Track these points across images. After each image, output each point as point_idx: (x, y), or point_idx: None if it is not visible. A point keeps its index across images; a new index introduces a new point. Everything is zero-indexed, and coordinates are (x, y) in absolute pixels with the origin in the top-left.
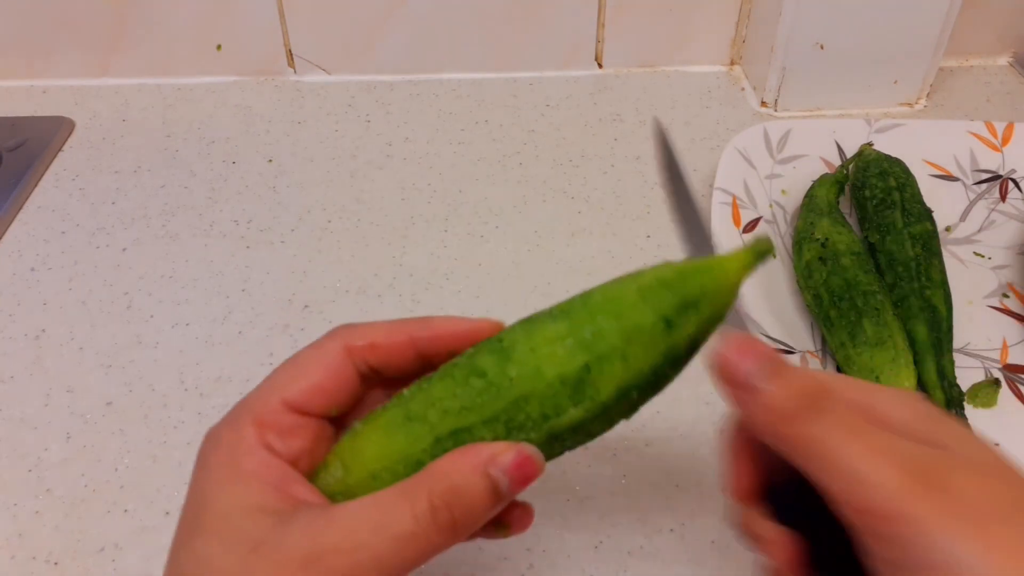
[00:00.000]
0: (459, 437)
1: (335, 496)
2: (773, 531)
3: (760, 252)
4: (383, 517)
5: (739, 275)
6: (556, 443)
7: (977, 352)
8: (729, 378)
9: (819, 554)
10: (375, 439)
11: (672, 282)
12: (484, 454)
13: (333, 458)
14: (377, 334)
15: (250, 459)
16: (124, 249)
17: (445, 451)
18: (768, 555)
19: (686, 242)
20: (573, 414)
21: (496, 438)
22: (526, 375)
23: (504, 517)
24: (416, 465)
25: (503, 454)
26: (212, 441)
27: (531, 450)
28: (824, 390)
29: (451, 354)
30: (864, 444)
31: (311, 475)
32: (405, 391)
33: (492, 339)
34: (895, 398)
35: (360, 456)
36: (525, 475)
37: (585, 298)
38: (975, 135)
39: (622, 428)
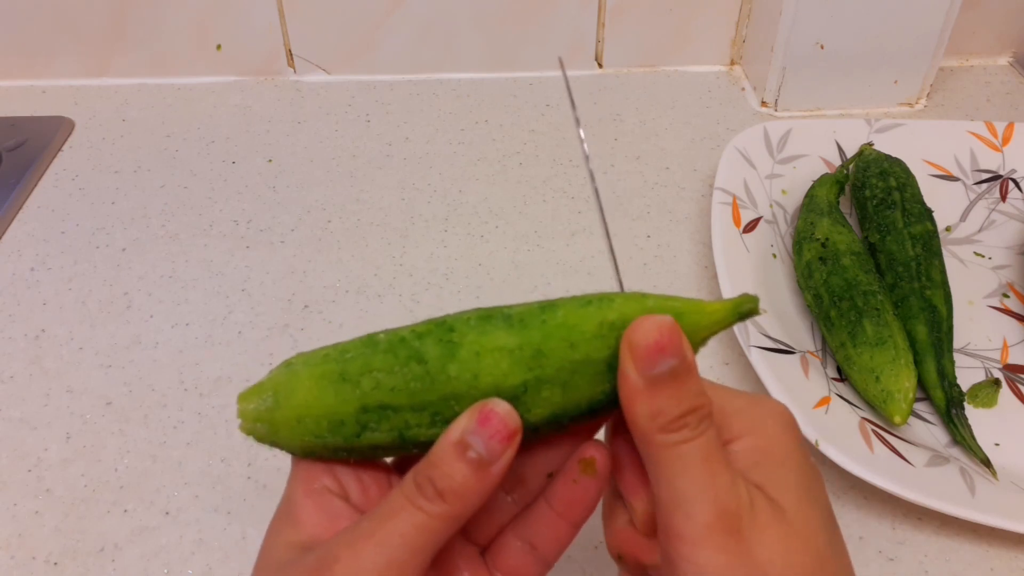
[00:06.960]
0: (384, 413)
1: (259, 422)
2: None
3: (743, 313)
4: (381, 509)
5: (710, 330)
6: None
7: (977, 352)
8: (640, 360)
9: None
10: (308, 385)
11: None
12: (457, 428)
13: (269, 384)
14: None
15: (302, 509)
16: (124, 249)
17: (368, 421)
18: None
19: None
20: None
21: (419, 425)
22: (464, 377)
23: (584, 454)
24: (339, 425)
25: (467, 417)
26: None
27: (495, 404)
28: (709, 414)
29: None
30: (706, 473)
31: (244, 391)
32: (351, 346)
33: (443, 325)
34: (760, 418)
35: (291, 397)
36: (495, 429)
37: (546, 313)
38: (975, 135)
39: None
